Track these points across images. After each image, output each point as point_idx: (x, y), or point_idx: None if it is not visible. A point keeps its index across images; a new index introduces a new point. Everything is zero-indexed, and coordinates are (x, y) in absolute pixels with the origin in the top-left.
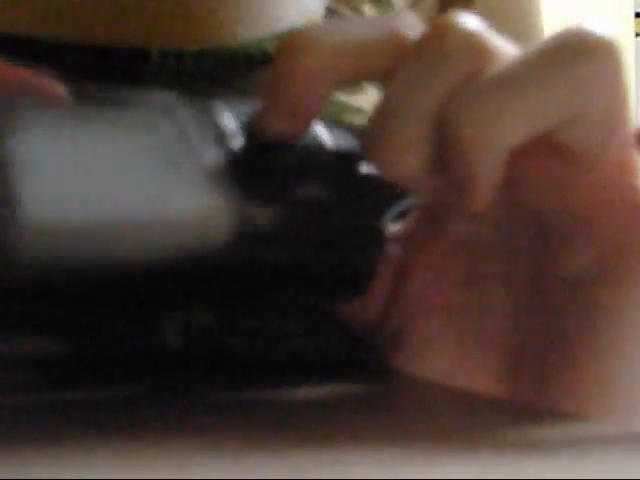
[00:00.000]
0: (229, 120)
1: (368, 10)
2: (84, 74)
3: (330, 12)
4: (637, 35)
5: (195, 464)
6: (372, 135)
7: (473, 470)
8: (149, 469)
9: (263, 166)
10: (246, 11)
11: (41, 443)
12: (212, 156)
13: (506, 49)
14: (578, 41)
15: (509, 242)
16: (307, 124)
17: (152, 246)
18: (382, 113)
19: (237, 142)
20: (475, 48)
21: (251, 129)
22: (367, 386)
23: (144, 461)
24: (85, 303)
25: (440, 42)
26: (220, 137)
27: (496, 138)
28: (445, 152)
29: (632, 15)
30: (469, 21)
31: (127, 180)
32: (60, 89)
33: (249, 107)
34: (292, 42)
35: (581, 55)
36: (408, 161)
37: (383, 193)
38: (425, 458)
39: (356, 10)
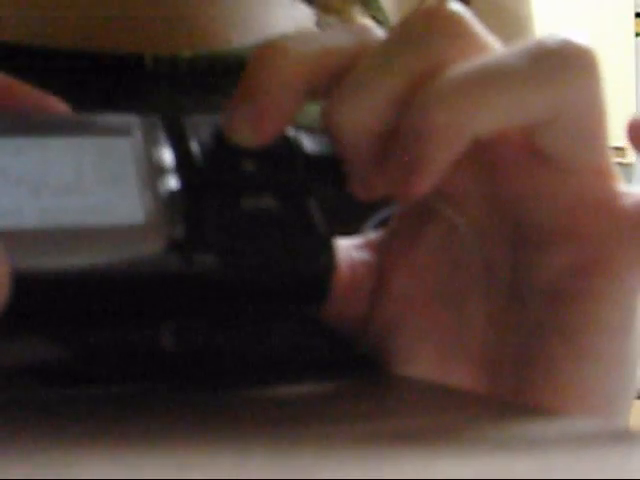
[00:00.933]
0: (199, 133)
1: (358, 15)
2: (79, 81)
3: (321, 17)
4: (637, 35)
5: (195, 464)
6: (338, 94)
7: (466, 469)
8: (149, 469)
9: (218, 176)
10: (238, 17)
11: (41, 443)
12: (165, 170)
13: (492, 42)
14: (561, 48)
15: (488, 249)
16: (276, 132)
17: (90, 255)
18: (354, 76)
19: (199, 155)
20: (462, 31)
21: (219, 137)
22: (362, 386)
23: (144, 461)
24: (66, 323)
25: (429, 21)
26: (180, 151)
27: (464, 124)
28: (402, 133)
29: (632, 15)
30: (458, 8)
31: (71, 192)
32: (62, 105)
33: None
34: (265, 49)
35: (562, 62)
36: (366, 115)
37: (345, 201)
38: (418, 457)
39: (347, 16)
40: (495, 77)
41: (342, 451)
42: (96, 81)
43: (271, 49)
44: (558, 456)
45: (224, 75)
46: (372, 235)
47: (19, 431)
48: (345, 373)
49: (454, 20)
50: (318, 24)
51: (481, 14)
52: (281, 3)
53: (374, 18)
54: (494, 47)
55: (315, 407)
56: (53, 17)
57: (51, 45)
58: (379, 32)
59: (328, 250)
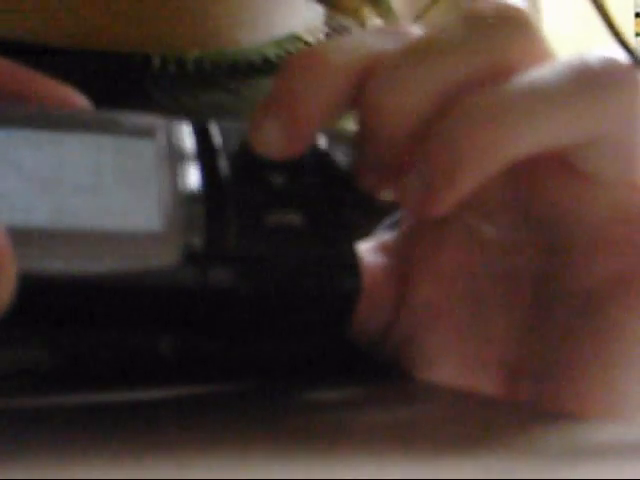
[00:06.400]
0: (226, 141)
1: (368, 15)
2: (84, 80)
3: (329, 17)
4: (637, 35)
5: (195, 464)
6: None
7: (473, 471)
8: (149, 469)
9: (244, 188)
10: (246, 16)
11: (41, 443)
12: (188, 177)
13: (551, 49)
14: (604, 68)
15: (512, 256)
16: (307, 145)
17: (101, 260)
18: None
19: (223, 161)
20: (531, 35)
21: (245, 145)
22: (367, 387)
23: (144, 461)
24: (72, 329)
25: (503, 18)
26: (205, 157)
27: (503, 148)
28: (433, 145)
29: (632, 15)
30: (528, 12)
31: (86, 192)
32: (82, 99)
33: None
34: (303, 58)
35: (605, 83)
36: (416, 98)
37: (369, 215)
38: (424, 458)
39: (356, 15)
40: (540, 99)
41: (345, 452)
42: (102, 80)
43: (310, 58)
44: (567, 461)
45: (231, 75)
46: (385, 237)
47: (20, 432)
48: (360, 379)
49: (526, 22)
50: (328, 23)
51: None
52: (289, 2)
53: (384, 18)
54: (552, 55)
55: (318, 408)
56: (59, 15)
57: (57, 43)
58: (418, 32)
59: (354, 273)
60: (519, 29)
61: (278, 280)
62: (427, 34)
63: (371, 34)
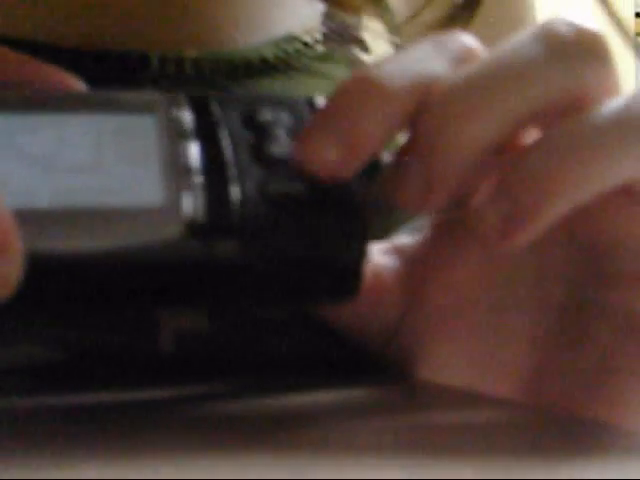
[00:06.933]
0: (227, 113)
1: (366, 14)
2: (83, 79)
3: (327, 17)
4: (637, 35)
5: (195, 464)
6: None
7: (473, 471)
8: (149, 469)
9: (246, 159)
10: (243, 16)
11: (41, 443)
12: (188, 150)
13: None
14: None
15: (543, 268)
16: (359, 164)
17: (105, 237)
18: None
19: (224, 134)
20: (608, 63)
21: (248, 117)
22: (366, 388)
23: (144, 461)
24: (79, 307)
25: (586, 44)
26: (206, 131)
27: (590, 182)
28: (512, 179)
29: (632, 15)
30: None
31: (87, 171)
32: (78, 83)
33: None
34: (358, 83)
35: None
36: (491, 130)
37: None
38: (425, 458)
39: (354, 14)
40: (625, 135)
41: (345, 453)
42: (100, 79)
43: (365, 83)
44: (569, 462)
45: (229, 75)
46: (400, 240)
47: (20, 433)
48: (360, 380)
49: (605, 51)
50: (325, 23)
51: (486, 17)
52: (286, 2)
53: (382, 17)
54: (621, 87)
55: (318, 409)
56: (59, 13)
57: (56, 42)
58: (474, 45)
59: (359, 241)
60: (598, 59)
61: (282, 250)
62: (495, 56)
63: (426, 50)
